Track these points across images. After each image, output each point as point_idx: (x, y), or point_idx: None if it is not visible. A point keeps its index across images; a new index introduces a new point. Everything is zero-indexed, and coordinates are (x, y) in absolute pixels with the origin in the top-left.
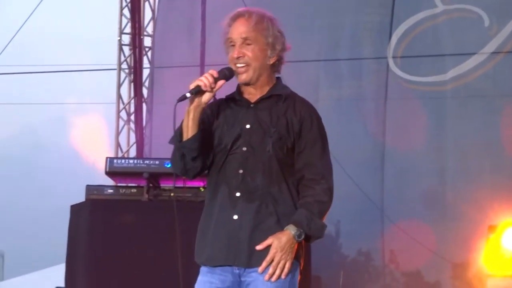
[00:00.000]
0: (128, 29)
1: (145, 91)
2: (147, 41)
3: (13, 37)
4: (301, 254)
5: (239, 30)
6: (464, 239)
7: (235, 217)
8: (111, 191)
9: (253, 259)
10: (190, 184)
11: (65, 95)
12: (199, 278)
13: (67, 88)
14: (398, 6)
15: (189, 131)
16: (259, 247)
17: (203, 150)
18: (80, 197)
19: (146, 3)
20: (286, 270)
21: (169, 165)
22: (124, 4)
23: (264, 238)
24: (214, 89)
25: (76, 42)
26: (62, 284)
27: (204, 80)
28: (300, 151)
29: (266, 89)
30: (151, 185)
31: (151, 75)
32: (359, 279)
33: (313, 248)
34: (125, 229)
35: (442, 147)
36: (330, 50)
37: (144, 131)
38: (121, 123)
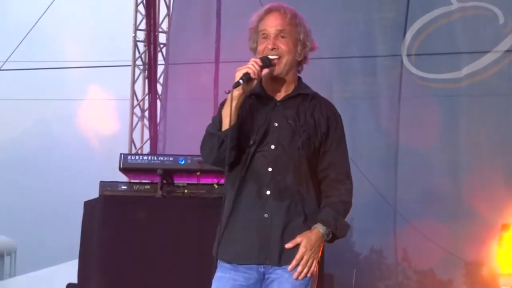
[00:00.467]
0: (143, 26)
1: (159, 88)
2: (162, 38)
3: (28, 33)
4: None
5: (275, 22)
6: (477, 238)
7: (266, 215)
8: (125, 187)
9: (284, 257)
10: (204, 180)
11: (79, 91)
12: (219, 274)
13: (82, 84)
14: (413, 3)
15: (231, 119)
16: (288, 245)
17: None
18: (94, 193)
19: (161, 0)
20: (313, 268)
21: (183, 162)
22: (139, 0)
23: (294, 237)
24: (258, 78)
25: (91, 38)
26: (75, 280)
27: (252, 68)
28: (325, 151)
29: (291, 87)
30: (165, 181)
31: (165, 71)
32: (371, 276)
33: (326, 246)
34: (139, 225)
35: (456, 145)
36: (343, 47)
37: (158, 128)
38: (135, 119)
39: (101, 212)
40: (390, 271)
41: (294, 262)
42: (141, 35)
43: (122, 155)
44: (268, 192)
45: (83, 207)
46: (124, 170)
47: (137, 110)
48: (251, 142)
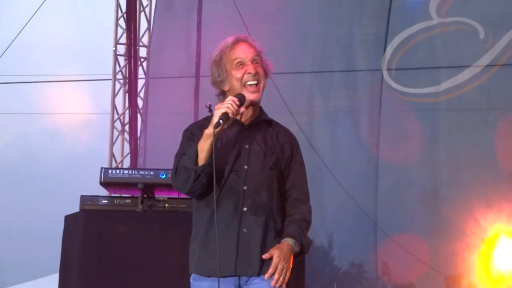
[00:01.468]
0: (123, 40)
1: (140, 102)
2: (143, 52)
3: (8, 46)
4: None
5: (248, 50)
6: (458, 252)
7: (245, 230)
8: (106, 201)
9: (264, 268)
10: (185, 195)
11: (59, 105)
12: (196, 283)
13: (62, 98)
14: (394, 18)
15: (206, 155)
16: (265, 256)
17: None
18: (75, 207)
19: (142, 14)
20: (287, 277)
21: (164, 176)
22: (119, 14)
23: (269, 249)
24: (236, 116)
25: (71, 52)
26: None
27: (231, 108)
28: (288, 173)
29: (256, 112)
30: (145, 195)
31: (146, 85)
32: None
33: (306, 260)
34: (119, 239)
35: (436, 159)
36: (324, 62)
37: (138, 142)
38: (116, 133)
39: (81, 226)
40: (370, 285)
41: (270, 270)
42: (121, 49)
43: (103, 169)
44: (245, 209)
45: (63, 221)
46: (105, 184)
47: (118, 124)
48: (224, 164)
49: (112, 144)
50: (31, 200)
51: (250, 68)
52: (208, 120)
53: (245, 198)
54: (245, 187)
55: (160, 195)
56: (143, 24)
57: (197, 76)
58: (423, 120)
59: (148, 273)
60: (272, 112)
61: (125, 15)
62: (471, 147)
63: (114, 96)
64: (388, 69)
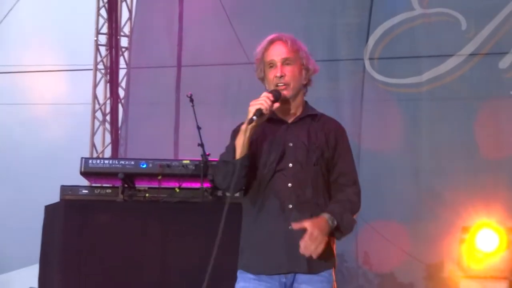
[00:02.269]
0: (104, 30)
1: (121, 92)
2: (124, 42)
3: None
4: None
5: (279, 51)
6: (438, 240)
7: (290, 227)
8: (86, 191)
9: (313, 265)
10: (165, 184)
11: (40, 95)
12: (241, 284)
13: (43, 89)
14: (376, 8)
15: (244, 149)
16: (295, 225)
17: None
18: (55, 198)
19: (123, 4)
20: (319, 250)
21: (144, 166)
22: (101, 4)
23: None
24: (270, 112)
25: (52, 42)
26: (36, 285)
27: (265, 104)
28: (335, 163)
29: (299, 109)
30: (126, 185)
31: (127, 75)
32: None
33: None
34: (100, 229)
35: (417, 149)
36: None
37: (119, 132)
38: (97, 123)
39: (62, 216)
40: (351, 274)
41: (300, 225)
42: (103, 39)
43: (83, 159)
44: (290, 206)
45: (44, 212)
46: (85, 174)
47: (99, 114)
48: (269, 163)
49: (93, 134)
50: (11, 191)
51: (277, 71)
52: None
53: (290, 196)
54: (289, 185)
55: (141, 185)
56: (124, 14)
57: (179, 66)
58: (405, 110)
59: (128, 262)
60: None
61: (106, 5)
62: (452, 137)
63: (95, 86)
64: (371, 60)
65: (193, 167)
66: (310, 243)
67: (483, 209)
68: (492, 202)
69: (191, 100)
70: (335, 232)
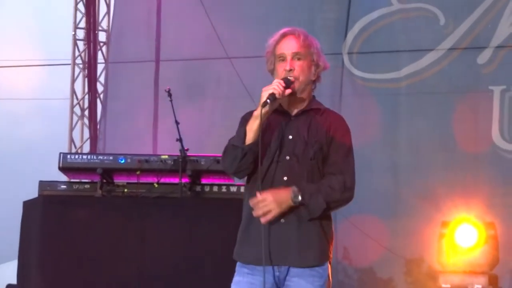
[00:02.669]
0: (82, 24)
1: (99, 87)
2: (102, 36)
3: None
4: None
5: (290, 46)
6: (417, 235)
7: (282, 220)
8: (64, 186)
9: (302, 259)
10: (144, 180)
11: (18, 90)
12: (237, 278)
13: (20, 84)
14: (354, 4)
15: (254, 134)
16: (258, 196)
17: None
18: (33, 193)
19: None
20: (268, 217)
21: (123, 161)
22: None
23: (309, 237)
24: (282, 97)
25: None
26: (14, 281)
27: (277, 89)
28: (329, 155)
29: (305, 103)
30: (104, 180)
31: (105, 70)
32: None
33: None
34: (79, 224)
35: (396, 143)
36: None
37: (98, 127)
38: (75, 118)
39: (40, 212)
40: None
41: (258, 196)
42: (81, 34)
43: (62, 154)
44: None
45: (22, 207)
46: (64, 169)
47: (77, 109)
48: (266, 154)
49: (71, 129)
50: None
51: (286, 64)
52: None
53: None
54: (285, 178)
55: (119, 180)
56: (102, 8)
57: (157, 61)
58: (383, 105)
59: (107, 258)
60: (233, 97)
61: None
62: (431, 131)
63: (73, 81)
64: (349, 55)
65: (172, 162)
66: (258, 208)
67: (462, 204)
68: (471, 196)
69: (169, 95)
70: (302, 210)
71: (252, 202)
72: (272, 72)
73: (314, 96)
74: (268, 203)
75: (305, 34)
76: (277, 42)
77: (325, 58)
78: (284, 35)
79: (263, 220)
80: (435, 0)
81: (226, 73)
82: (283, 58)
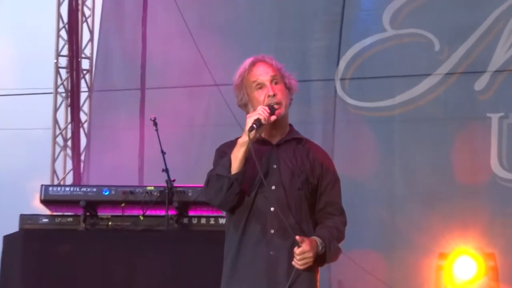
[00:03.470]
0: (65, 52)
1: (83, 117)
2: (85, 64)
3: None
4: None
5: (266, 70)
6: (415, 268)
7: (272, 253)
8: (46, 220)
9: None
10: (129, 212)
11: None
12: None
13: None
14: (346, 30)
15: (240, 163)
16: (298, 238)
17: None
18: (14, 227)
19: (84, 25)
20: (305, 267)
21: (107, 193)
22: (61, 25)
23: (299, 271)
24: (268, 123)
25: (11, 65)
26: None
27: (263, 114)
28: (322, 192)
29: (285, 131)
30: (88, 213)
31: (89, 99)
32: None
33: None
34: (61, 259)
35: (391, 173)
36: None
37: (81, 158)
38: (58, 149)
39: (21, 246)
40: None
41: (299, 238)
42: (63, 62)
43: (43, 187)
44: (272, 231)
45: (2, 242)
46: (46, 202)
47: (60, 140)
48: (251, 184)
49: (53, 160)
50: None
51: (269, 90)
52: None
53: (273, 220)
54: (272, 209)
55: (104, 213)
56: (85, 35)
57: (143, 88)
58: (378, 134)
59: None
60: (221, 125)
61: (66, 26)
62: (427, 161)
63: (55, 110)
64: (342, 83)
65: (158, 194)
66: (301, 262)
67: (460, 235)
68: (470, 228)
69: (155, 124)
70: (318, 258)
71: (299, 252)
72: (246, 105)
73: (291, 124)
74: (311, 255)
75: (272, 58)
76: (248, 71)
77: (294, 79)
78: (253, 63)
79: (301, 268)
80: (429, 25)
81: (214, 101)
82: (260, 85)
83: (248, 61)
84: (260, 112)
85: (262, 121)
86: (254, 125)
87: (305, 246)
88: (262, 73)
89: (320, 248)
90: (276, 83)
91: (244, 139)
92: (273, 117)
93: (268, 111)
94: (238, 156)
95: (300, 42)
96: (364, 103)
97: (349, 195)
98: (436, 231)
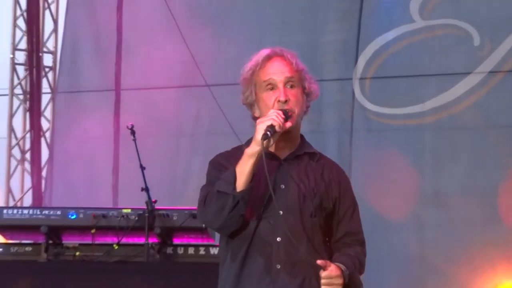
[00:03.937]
0: (23, 45)
1: (44, 123)
2: (48, 60)
3: None
4: None
5: (281, 69)
6: None
7: (278, 266)
8: (0, 249)
9: None
10: (101, 240)
11: None
12: None
13: None
14: (366, 21)
15: (247, 178)
16: (320, 262)
17: None
18: None
19: (47, 12)
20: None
21: (74, 217)
22: (18, 13)
23: None
24: (282, 131)
25: None
26: None
27: (277, 119)
28: (339, 220)
29: (295, 144)
30: (50, 241)
31: (52, 102)
32: None
33: None
34: None
35: (420, 194)
36: None
37: (42, 173)
38: (14, 163)
39: None
40: None
41: (325, 263)
42: (21, 57)
43: None
44: (278, 266)
45: None
46: None
47: (16, 151)
48: (254, 208)
49: (9, 176)
50: None
51: (281, 94)
52: (238, 149)
53: (279, 253)
54: (278, 239)
55: (70, 240)
56: (48, 25)
57: (118, 89)
58: (404, 147)
59: None
60: (214, 133)
61: (25, 13)
62: (464, 179)
63: (11, 115)
64: (361, 85)
65: (136, 218)
66: (327, 280)
67: (504, 270)
68: None
69: (133, 133)
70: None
71: (325, 276)
72: (251, 106)
73: (303, 135)
74: (340, 282)
75: (293, 55)
76: (261, 66)
77: (317, 84)
78: (269, 57)
79: None
80: (467, 15)
81: (205, 105)
82: (272, 86)
83: (264, 53)
84: (274, 117)
85: (276, 128)
86: (268, 133)
87: (333, 270)
88: (277, 72)
89: (346, 279)
90: (291, 87)
91: (253, 150)
92: (288, 124)
93: (283, 116)
94: (245, 170)
95: (310, 35)
96: (387, 109)
97: (370, 221)
98: (474, 263)
